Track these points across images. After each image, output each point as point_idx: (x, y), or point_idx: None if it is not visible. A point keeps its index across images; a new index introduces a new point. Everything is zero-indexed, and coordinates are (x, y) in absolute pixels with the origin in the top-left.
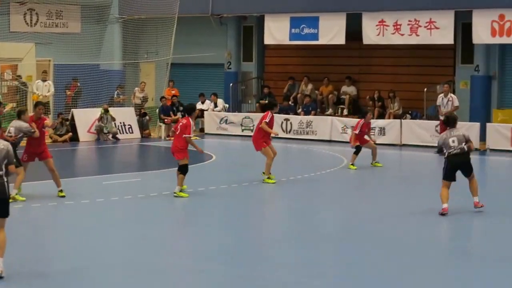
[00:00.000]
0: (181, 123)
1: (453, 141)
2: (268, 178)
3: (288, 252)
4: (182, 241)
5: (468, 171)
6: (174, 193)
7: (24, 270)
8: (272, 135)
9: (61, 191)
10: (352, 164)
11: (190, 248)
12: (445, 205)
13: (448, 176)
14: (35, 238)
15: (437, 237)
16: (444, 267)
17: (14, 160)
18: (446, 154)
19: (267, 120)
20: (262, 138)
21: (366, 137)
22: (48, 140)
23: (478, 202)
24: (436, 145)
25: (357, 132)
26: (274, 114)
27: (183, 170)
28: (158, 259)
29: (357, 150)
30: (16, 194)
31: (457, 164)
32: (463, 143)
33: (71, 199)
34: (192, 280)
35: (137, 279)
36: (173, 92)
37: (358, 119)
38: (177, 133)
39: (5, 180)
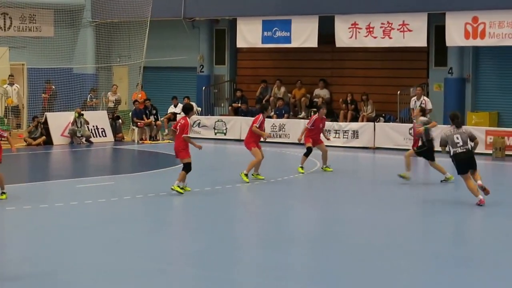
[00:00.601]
0: (179, 123)
1: (457, 138)
2: (258, 174)
3: (259, 254)
4: (155, 244)
5: (473, 166)
6: (172, 186)
7: None
8: (264, 137)
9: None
10: (301, 167)
11: (162, 251)
12: (479, 197)
13: (462, 170)
14: (6, 241)
15: (407, 239)
16: (419, 269)
17: None
18: (452, 152)
19: (257, 125)
20: (253, 139)
21: (321, 136)
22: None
23: (482, 184)
24: (440, 140)
25: (309, 126)
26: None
27: (187, 168)
28: (130, 262)
29: (308, 152)
30: None
31: (463, 159)
32: (468, 142)
33: (45, 202)
34: (162, 283)
35: (108, 282)
36: (139, 95)
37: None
38: (177, 133)
39: None
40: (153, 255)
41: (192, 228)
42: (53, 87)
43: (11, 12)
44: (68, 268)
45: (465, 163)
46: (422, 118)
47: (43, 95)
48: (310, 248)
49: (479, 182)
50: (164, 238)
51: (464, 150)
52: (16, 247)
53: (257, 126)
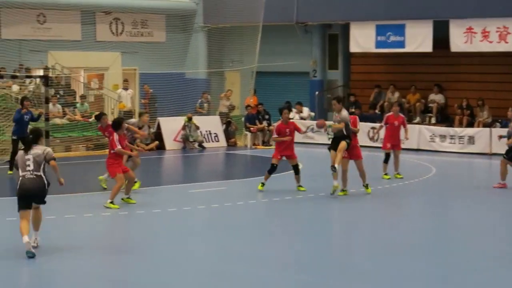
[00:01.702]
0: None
1: None
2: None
3: (365, 261)
4: (265, 250)
5: None
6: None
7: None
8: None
9: None
10: (385, 174)
11: (273, 257)
12: None
13: None
14: (122, 245)
15: None
16: None
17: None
18: None
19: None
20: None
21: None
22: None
23: None
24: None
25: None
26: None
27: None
28: (238, 267)
29: (386, 158)
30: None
31: None
32: None
33: (158, 207)
34: None
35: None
36: (251, 100)
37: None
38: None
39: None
40: (265, 262)
41: (304, 234)
42: (151, 90)
43: (123, 18)
44: (178, 275)
45: None
46: None
47: (142, 100)
48: (424, 255)
49: None
50: (275, 243)
51: None
52: (130, 252)
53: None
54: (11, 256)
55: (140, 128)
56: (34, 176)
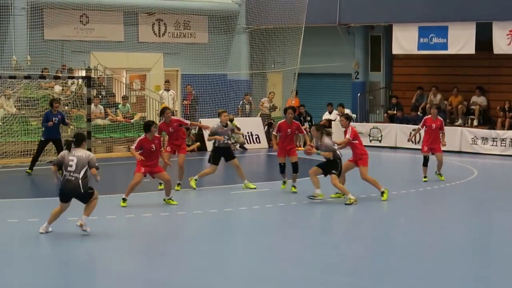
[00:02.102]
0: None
1: None
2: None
3: (416, 265)
4: (306, 252)
5: None
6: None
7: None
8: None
9: None
10: (425, 177)
11: (313, 259)
12: None
13: None
14: (163, 246)
15: None
16: None
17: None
18: None
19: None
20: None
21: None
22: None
23: None
24: None
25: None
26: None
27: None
28: (281, 270)
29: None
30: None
31: None
32: None
33: (199, 208)
34: None
35: None
36: (293, 102)
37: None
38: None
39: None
40: (306, 263)
41: (346, 235)
42: (194, 92)
43: (165, 19)
44: (223, 276)
45: None
46: None
47: (184, 102)
48: (468, 257)
49: None
50: (316, 245)
51: None
52: (171, 253)
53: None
54: (35, 257)
55: (224, 127)
56: (73, 178)
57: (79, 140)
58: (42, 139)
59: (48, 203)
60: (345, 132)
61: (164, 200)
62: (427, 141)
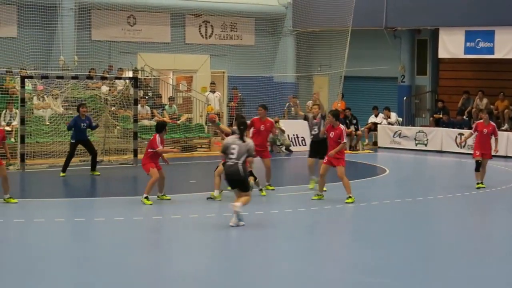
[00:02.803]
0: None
1: None
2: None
3: (450, 268)
4: (351, 254)
5: None
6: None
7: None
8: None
9: None
10: (480, 183)
11: (356, 262)
12: None
13: None
14: (210, 246)
15: None
16: None
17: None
18: None
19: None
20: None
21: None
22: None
23: None
24: None
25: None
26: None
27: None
28: (324, 272)
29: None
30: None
31: None
32: None
33: (245, 210)
34: None
35: None
36: (339, 105)
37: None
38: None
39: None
40: (351, 266)
41: (388, 238)
42: (240, 94)
43: (212, 20)
44: (266, 279)
45: None
46: None
47: (231, 103)
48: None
49: None
50: (358, 248)
51: None
52: (218, 253)
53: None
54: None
55: (314, 118)
56: (233, 163)
57: (244, 128)
58: (73, 141)
59: (92, 202)
60: (329, 129)
61: (158, 197)
62: (479, 146)
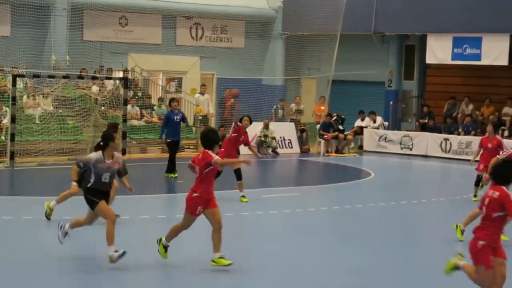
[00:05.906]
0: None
1: None
2: None
3: (436, 269)
4: (336, 256)
5: None
6: None
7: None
8: None
9: None
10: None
11: (341, 263)
12: None
13: None
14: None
15: None
16: None
17: None
18: None
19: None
20: None
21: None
22: None
23: None
24: None
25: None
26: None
27: None
28: (310, 273)
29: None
30: None
31: None
32: None
33: (231, 211)
34: None
35: None
36: (322, 108)
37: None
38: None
39: None
40: (334, 267)
41: (376, 241)
42: (233, 100)
43: (203, 23)
44: (252, 278)
45: None
46: None
47: (231, 102)
48: None
49: None
50: (345, 249)
51: None
52: (204, 254)
53: None
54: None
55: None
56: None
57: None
58: (168, 140)
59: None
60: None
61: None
62: (484, 160)
